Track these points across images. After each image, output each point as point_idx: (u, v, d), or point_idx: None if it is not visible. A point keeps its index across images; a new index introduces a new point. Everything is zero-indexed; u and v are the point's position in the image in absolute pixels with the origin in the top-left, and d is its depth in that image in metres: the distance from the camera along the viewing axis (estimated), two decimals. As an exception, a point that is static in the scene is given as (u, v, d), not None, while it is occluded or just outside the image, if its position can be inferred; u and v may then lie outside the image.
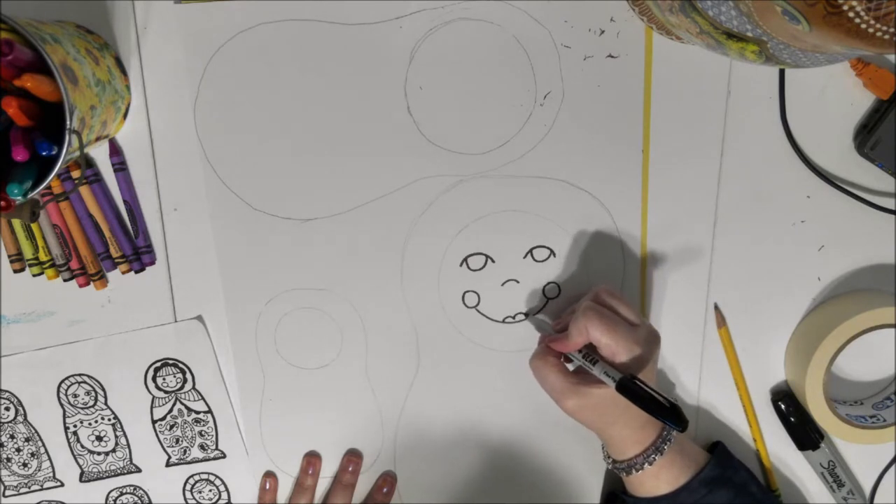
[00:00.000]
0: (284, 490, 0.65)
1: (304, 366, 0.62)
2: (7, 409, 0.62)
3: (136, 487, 0.65)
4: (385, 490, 0.64)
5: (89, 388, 0.62)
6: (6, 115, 0.44)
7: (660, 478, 0.55)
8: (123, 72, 0.54)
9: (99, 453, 0.64)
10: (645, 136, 0.58)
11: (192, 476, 0.65)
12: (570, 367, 0.57)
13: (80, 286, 0.59)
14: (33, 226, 0.57)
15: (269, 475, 0.64)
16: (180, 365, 0.61)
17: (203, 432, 0.63)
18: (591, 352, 0.54)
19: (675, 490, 0.55)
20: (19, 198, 0.45)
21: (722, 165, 0.59)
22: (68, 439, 0.63)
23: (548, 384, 0.55)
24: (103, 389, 0.62)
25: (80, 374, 0.61)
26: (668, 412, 0.48)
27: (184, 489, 0.65)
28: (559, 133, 0.57)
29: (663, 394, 0.49)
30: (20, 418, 0.62)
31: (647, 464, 0.54)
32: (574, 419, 0.55)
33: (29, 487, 0.65)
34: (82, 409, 0.62)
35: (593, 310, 0.53)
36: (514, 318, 0.61)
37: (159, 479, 0.65)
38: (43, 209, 0.56)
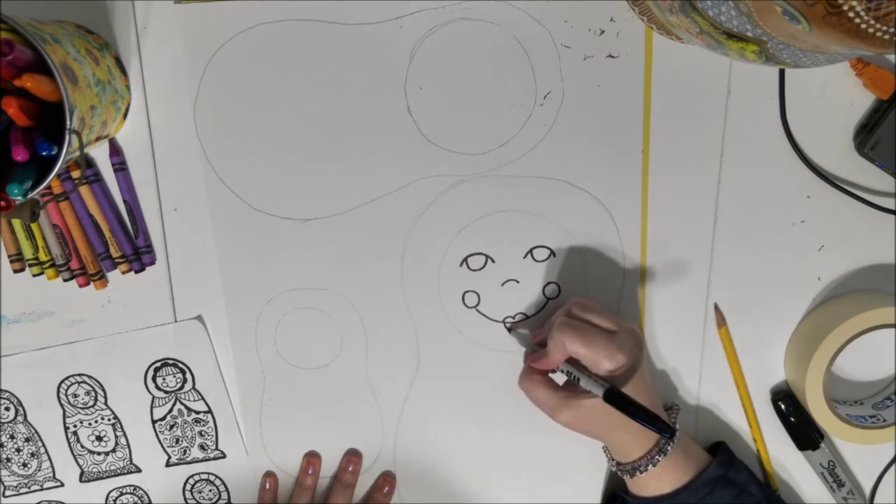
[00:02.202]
0: (285, 490, 0.65)
1: (304, 366, 0.62)
2: (7, 409, 0.62)
3: (136, 487, 0.65)
4: (385, 490, 0.64)
5: (89, 388, 0.62)
6: (6, 115, 0.44)
7: (663, 479, 0.55)
8: (123, 72, 0.54)
9: (99, 453, 0.64)
10: (645, 136, 0.58)
11: (192, 476, 0.65)
12: (560, 380, 0.57)
13: (80, 286, 0.59)
14: (33, 226, 0.57)
15: (269, 475, 0.64)
16: (180, 365, 0.61)
17: (203, 432, 0.63)
18: (574, 365, 0.54)
19: (678, 489, 0.55)
20: (19, 198, 0.44)
21: (722, 165, 0.59)
22: (68, 439, 0.63)
23: (539, 401, 0.56)
24: (103, 389, 0.62)
25: (80, 374, 0.61)
26: (654, 419, 0.49)
27: (184, 489, 0.65)
28: (559, 133, 0.57)
29: (658, 396, 0.50)
30: (20, 418, 0.62)
31: (650, 465, 0.55)
32: (572, 431, 0.55)
33: (29, 487, 0.65)
34: (82, 409, 0.62)
35: (567, 324, 0.53)
36: (514, 318, 0.61)
37: (159, 479, 0.65)
38: (43, 209, 0.56)
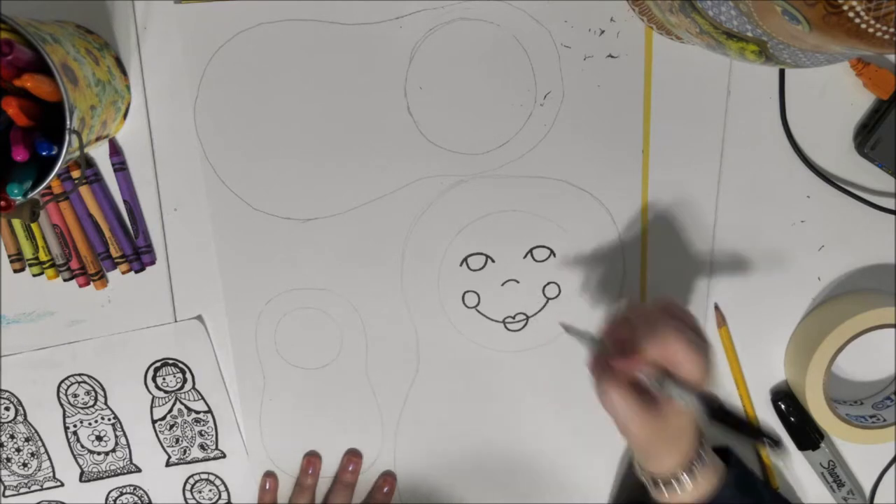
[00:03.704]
0: (285, 490, 0.65)
1: (304, 366, 0.62)
2: (7, 409, 0.62)
3: (136, 487, 0.65)
4: (385, 490, 0.64)
5: (89, 388, 0.62)
6: (6, 115, 0.44)
7: (698, 489, 0.51)
8: (123, 72, 0.54)
9: (99, 453, 0.64)
10: (645, 136, 0.58)
11: (192, 476, 0.65)
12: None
13: (80, 286, 0.59)
14: (33, 226, 0.57)
15: (269, 475, 0.64)
16: (180, 365, 0.61)
17: (203, 432, 0.63)
18: (663, 372, 0.48)
19: (709, 498, 0.51)
20: (19, 198, 0.45)
21: (722, 165, 0.59)
22: (68, 439, 0.63)
23: (622, 411, 0.49)
24: (103, 389, 0.62)
25: (80, 374, 0.61)
26: (759, 432, 0.46)
27: (184, 489, 0.65)
28: (559, 133, 0.57)
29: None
30: (20, 418, 0.62)
31: (689, 475, 0.50)
32: (631, 441, 0.51)
33: (29, 487, 0.65)
34: (82, 408, 0.62)
35: (681, 330, 0.48)
36: (514, 318, 0.61)
37: (159, 479, 0.65)
38: (43, 209, 0.56)
